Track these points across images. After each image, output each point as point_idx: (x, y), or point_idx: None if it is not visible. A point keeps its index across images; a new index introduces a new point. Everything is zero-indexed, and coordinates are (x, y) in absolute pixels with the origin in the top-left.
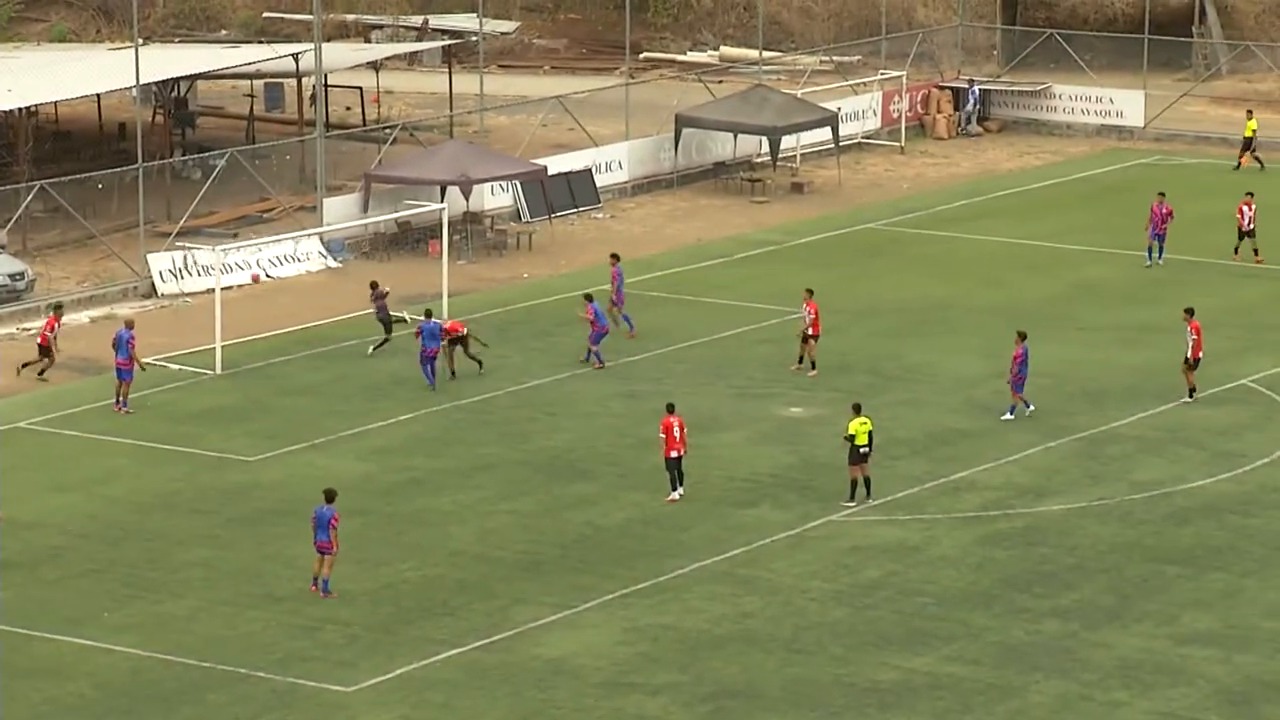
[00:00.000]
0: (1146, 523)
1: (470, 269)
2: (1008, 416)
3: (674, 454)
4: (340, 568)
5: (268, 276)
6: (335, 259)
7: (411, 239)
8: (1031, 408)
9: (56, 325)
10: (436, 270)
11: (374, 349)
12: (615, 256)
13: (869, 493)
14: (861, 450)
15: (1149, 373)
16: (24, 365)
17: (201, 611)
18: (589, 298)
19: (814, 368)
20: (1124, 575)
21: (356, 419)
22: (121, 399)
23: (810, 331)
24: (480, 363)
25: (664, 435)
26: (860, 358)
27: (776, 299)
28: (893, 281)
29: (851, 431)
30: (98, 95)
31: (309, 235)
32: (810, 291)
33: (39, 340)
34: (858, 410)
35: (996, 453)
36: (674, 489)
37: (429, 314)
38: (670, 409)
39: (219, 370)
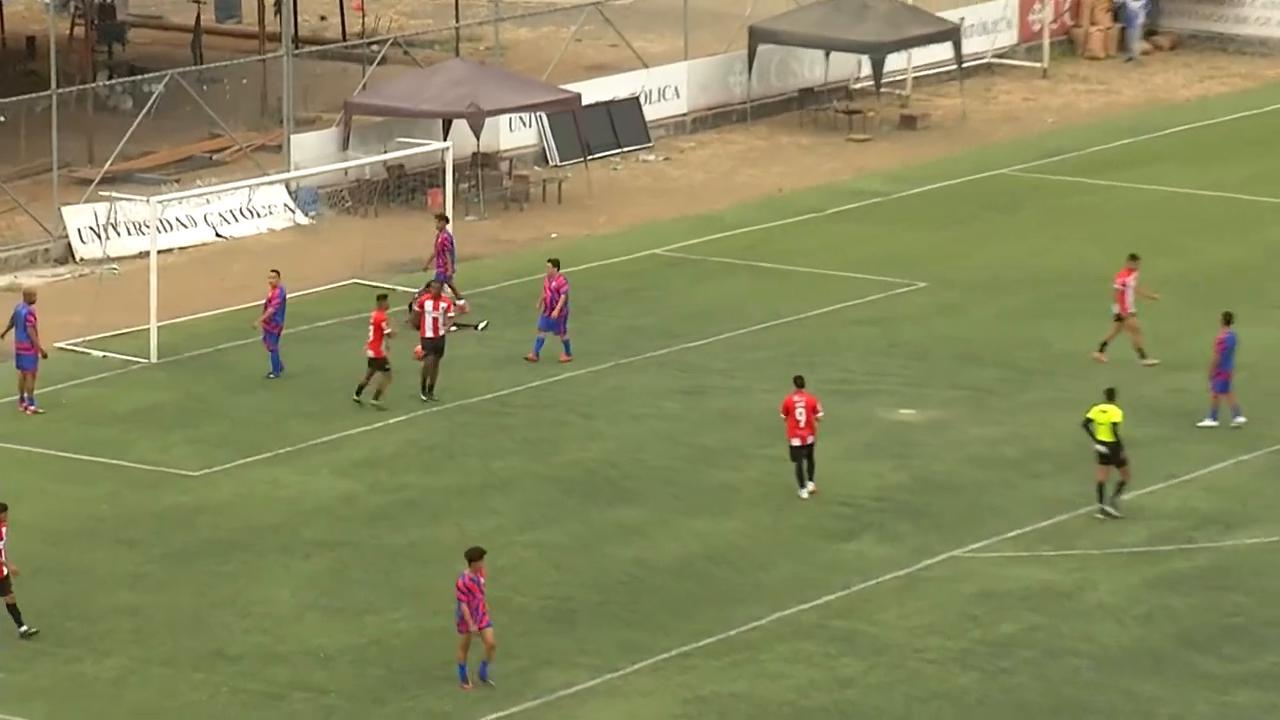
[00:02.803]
0: None
1: (482, 227)
2: (1208, 423)
3: (796, 442)
4: (311, 616)
5: (220, 236)
6: (306, 213)
7: (405, 188)
8: (1241, 418)
9: None
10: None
11: (480, 327)
12: (554, 263)
13: (1114, 499)
14: (1103, 449)
15: None
16: None
17: (131, 674)
18: (553, 263)
19: (1143, 357)
20: None
21: (333, 422)
22: (26, 396)
23: (1119, 311)
24: (428, 385)
25: (785, 417)
26: (990, 345)
27: (880, 267)
28: (1033, 245)
29: (1093, 419)
30: None
31: (272, 182)
32: (1134, 258)
33: None
34: (1110, 396)
35: (1172, 469)
36: (802, 485)
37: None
38: (798, 383)
39: (154, 358)
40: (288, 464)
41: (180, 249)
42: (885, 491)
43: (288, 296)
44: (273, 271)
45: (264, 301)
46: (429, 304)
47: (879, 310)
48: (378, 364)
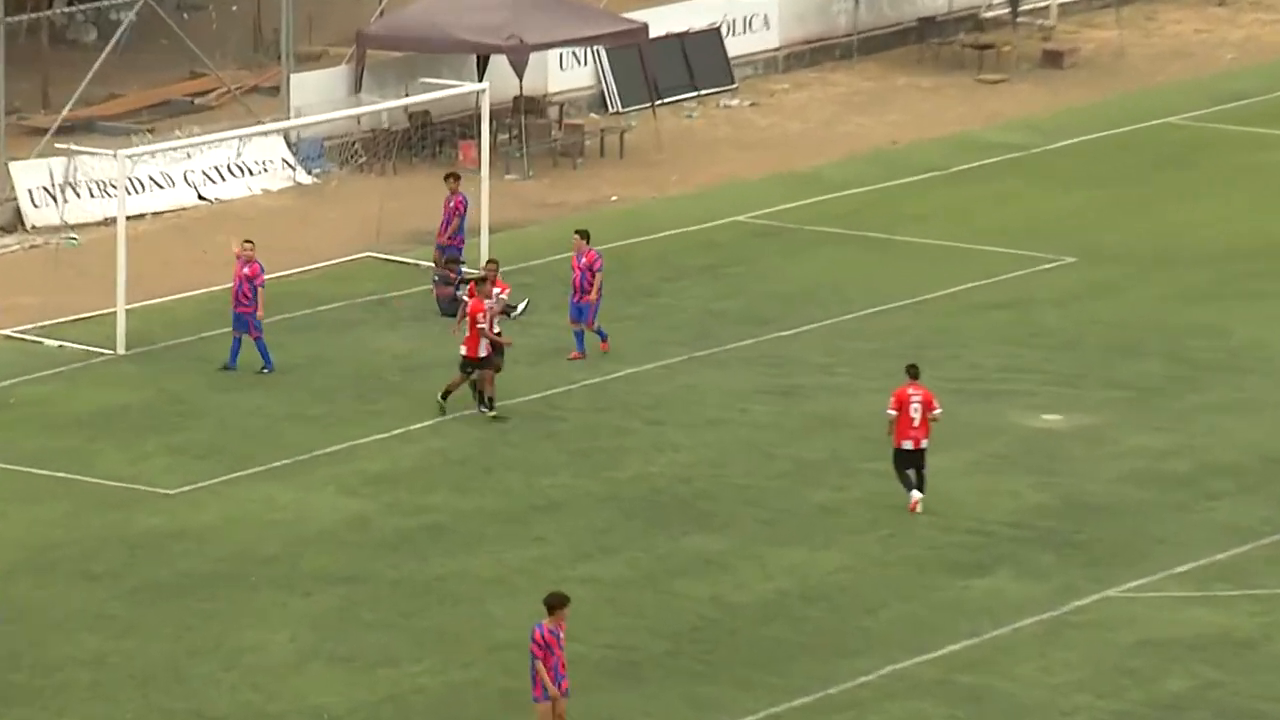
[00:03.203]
0: None
1: (526, 189)
2: None
3: (908, 445)
4: (313, 668)
5: (203, 199)
6: (309, 171)
7: (432, 140)
8: None
9: None
10: (472, 190)
11: (519, 310)
12: (583, 235)
13: None
14: None
15: None
16: None
17: None
18: (582, 235)
19: None
20: None
21: (342, 428)
22: None
23: None
24: (486, 397)
25: (895, 413)
26: (1153, 333)
27: (1018, 237)
28: (1208, 211)
29: None
30: None
31: (267, 133)
32: None
33: None
34: None
35: None
36: (909, 490)
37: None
38: (912, 374)
39: (122, 349)
40: (285, 479)
41: (154, 214)
42: (1023, 515)
43: (278, 274)
44: (246, 242)
45: (243, 279)
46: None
47: (1016, 291)
48: (477, 365)
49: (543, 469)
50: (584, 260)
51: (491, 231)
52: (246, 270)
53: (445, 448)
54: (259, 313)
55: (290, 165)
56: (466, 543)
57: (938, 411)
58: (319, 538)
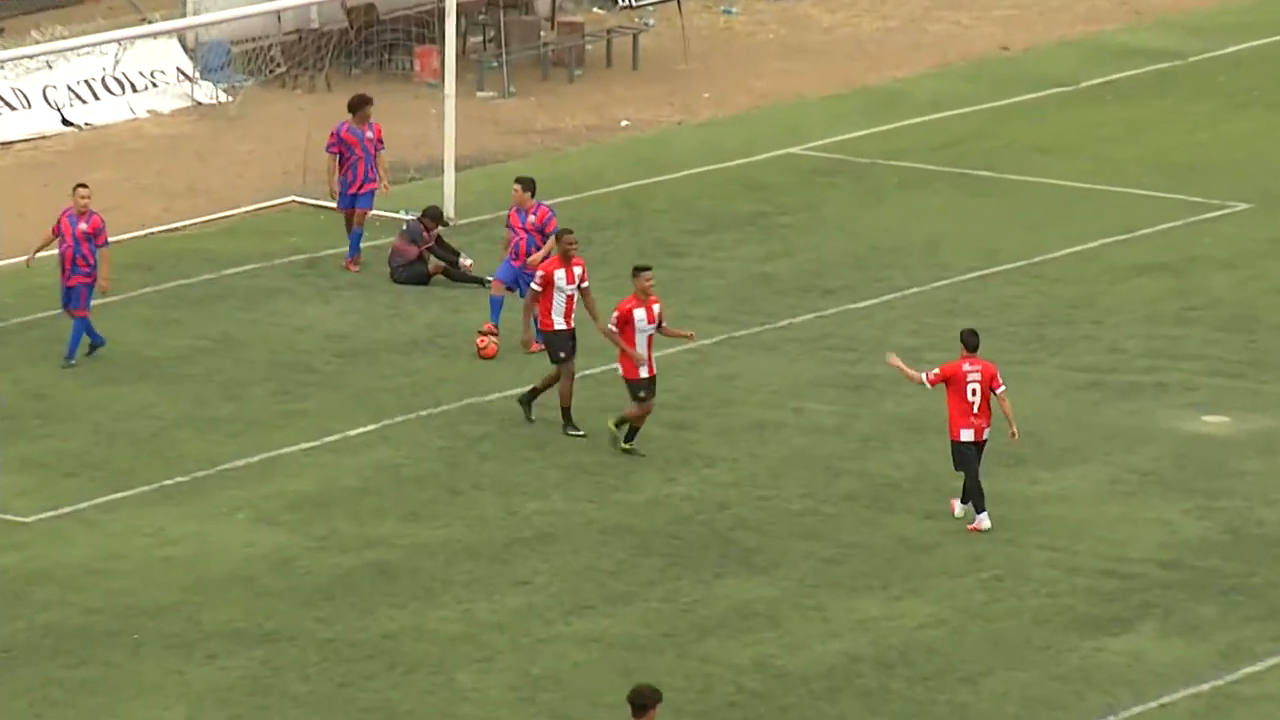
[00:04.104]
0: None
1: (505, 110)
2: None
3: (968, 435)
4: None
5: (70, 125)
6: (215, 85)
7: (378, 44)
8: None
9: None
10: (431, 112)
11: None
12: (526, 184)
13: None
14: None
15: None
16: None
17: None
18: (526, 185)
19: None
20: None
21: (257, 435)
22: None
23: None
24: (527, 406)
25: (948, 394)
26: None
27: (1173, 176)
28: None
29: None
30: None
31: (157, 34)
32: None
33: None
34: None
35: None
36: (967, 499)
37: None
38: (970, 344)
39: None
40: (181, 503)
41: (3, 145)
42: (1177, 551)
43: (170, 226)
44: (79, 188)
45: (80, 239)
46: (561, 274)
47: (1170, 248)
48: (643, 385)
49: (528, 489)
50: (533, 219)
51: (459, 168)
52: (84, 226)
53: (397, 461)
54: (103, 284)
55: (187, 78)
56: (425, 589)
57: (1002, 389)
58: (226, 582)
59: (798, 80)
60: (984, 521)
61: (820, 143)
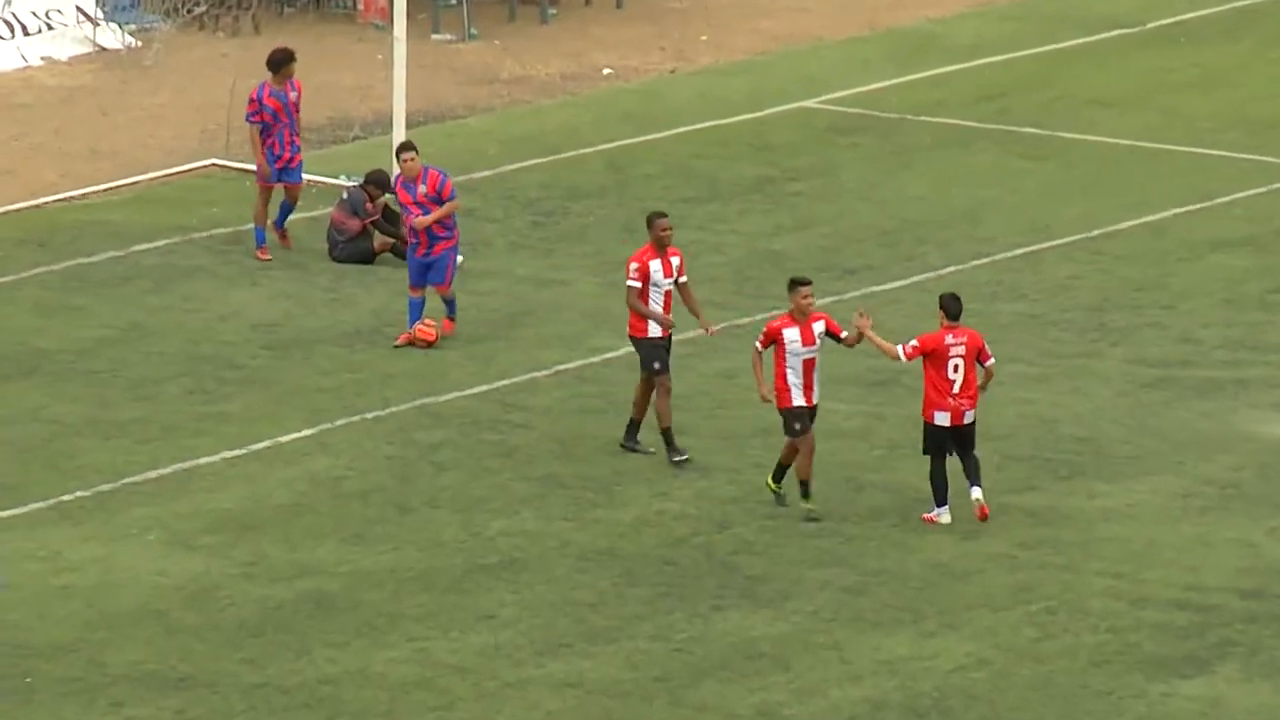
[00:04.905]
0: None
1: (467, 55)
2: None
3: (944, 419)
4: None
5: None
6: (123, 28)
7: None
8: None
9: None
10: (378, 58)
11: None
12: (408, 149)
13: None
14: None
15: None
16: None
17: None
18: (409, 149)
19: None
20: None
21: (170, 441)
22: None
23: None
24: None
25: (925, 367)
26: None
27: (1255, 135)
28: None
29: None
30: None
31: None
32: None
33: None
34: None
35: None
36: (941, 502)
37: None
38: (950, 311)
39: None
40: (81, 522)
41: None
42: (1262, 578)
43: (68, 194)
44: None
45: None
46: (657, 265)
47: (1253, 220)
48: (797, 416)
49: (493, 506)
50: (422, 188)
51: (411, 124)
52: None
53: (337, 472)
54: None
55: (89, 19)
56: (371, 625)
57: (991, 362)
58: (135, 617)
59: (812, 20)
60: (944, 515)
61: (839, 95)
